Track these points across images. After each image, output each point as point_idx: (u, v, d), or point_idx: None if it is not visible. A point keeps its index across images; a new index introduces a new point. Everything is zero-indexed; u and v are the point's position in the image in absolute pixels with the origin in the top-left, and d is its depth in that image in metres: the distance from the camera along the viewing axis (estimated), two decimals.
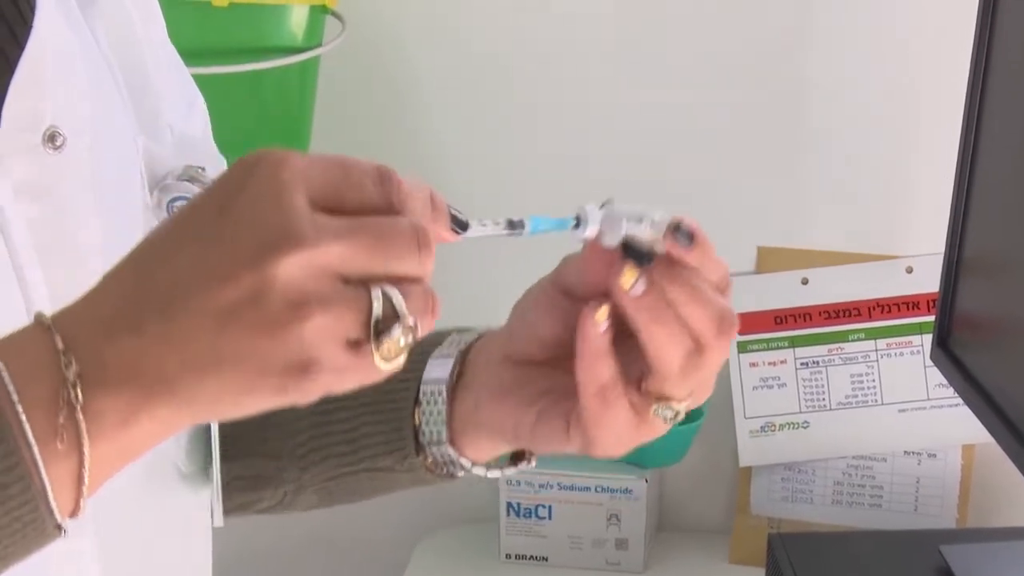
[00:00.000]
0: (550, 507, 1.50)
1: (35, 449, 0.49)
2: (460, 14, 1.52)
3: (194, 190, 0.73)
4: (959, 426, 1.43)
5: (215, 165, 0.76)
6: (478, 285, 1.31)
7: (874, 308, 1.49)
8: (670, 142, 1.51)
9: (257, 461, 0.75)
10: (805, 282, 1.50)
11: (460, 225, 0.55)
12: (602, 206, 0.60)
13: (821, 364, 1.50)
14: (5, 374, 0.50)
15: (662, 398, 0.61)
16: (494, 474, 0.70)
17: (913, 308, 1.48)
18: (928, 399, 1.49)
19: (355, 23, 1.42)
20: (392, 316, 0.51)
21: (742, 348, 1.51)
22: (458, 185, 1.53)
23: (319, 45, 1.36)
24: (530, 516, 1.51)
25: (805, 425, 1.51)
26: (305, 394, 0.51)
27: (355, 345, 0.51)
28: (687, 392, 0.61)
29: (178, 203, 0.73)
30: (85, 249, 0.66)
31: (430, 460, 0.71)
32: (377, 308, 0.51)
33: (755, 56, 1.48)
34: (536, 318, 0.65)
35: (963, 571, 1.16)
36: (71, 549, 0.61)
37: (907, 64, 1.47)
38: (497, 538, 1.52)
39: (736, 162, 1.50)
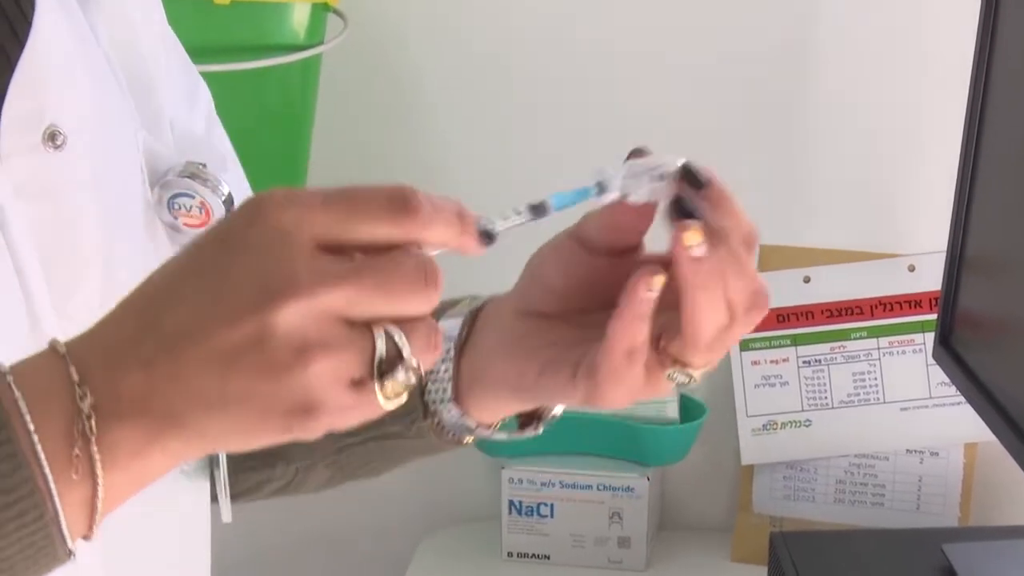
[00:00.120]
0: (552, 505, 1.50)
1: (50, 480, 0.50)
2: (462, 12, 1.52)
3: (195, 186, 0.73)
4: (961, 424, 1.43)
5: (217, 160, 0.76)
6: (481, 278, 1.31)
7: (876, 306, 1.49)
8: (671, 141, 1.49)
9: None
10: (807, 280, 1.50)
11: (488, 236, 0.54)
12: (628, 159, 0.59)
13: (823, 362, 1.50)
14: (22, 403, 0.50)
15: (680, 363, 0.61)
16: (500, 436, 0.70)
17: (915, 306, 1.48)
18: (930, 397, 1.49)
19: (357, 21, 1.42)
20: (396, 357, 0.51)
21: (744, 346, 1.51)
22: (459, 183, 1.53)
23: (321, 43, 1.36)
24: (532, 514, 1.51)
25: (807, 423, 1.51)
26: (310, 432, 0.51)
27: (358, 384, 0.51)
28: (705, 361, 0.61)
29: (179, 199, 0.73)
30: (86, 248, 0.66)
31: (437, 422, 0.71)
32: (380, 349, 0.51)
33: (757, 55, 1.48)
34: (551, 270, 0.65)
35: (965, 569, 1.16)
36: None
37: (910, 62, 1.47)
38: (499, 536, 1.52)
39: (738, 161, 1.50)
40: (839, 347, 1.50)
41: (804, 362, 1.51)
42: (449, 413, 0.70)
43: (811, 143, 1.50)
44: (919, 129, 1.47)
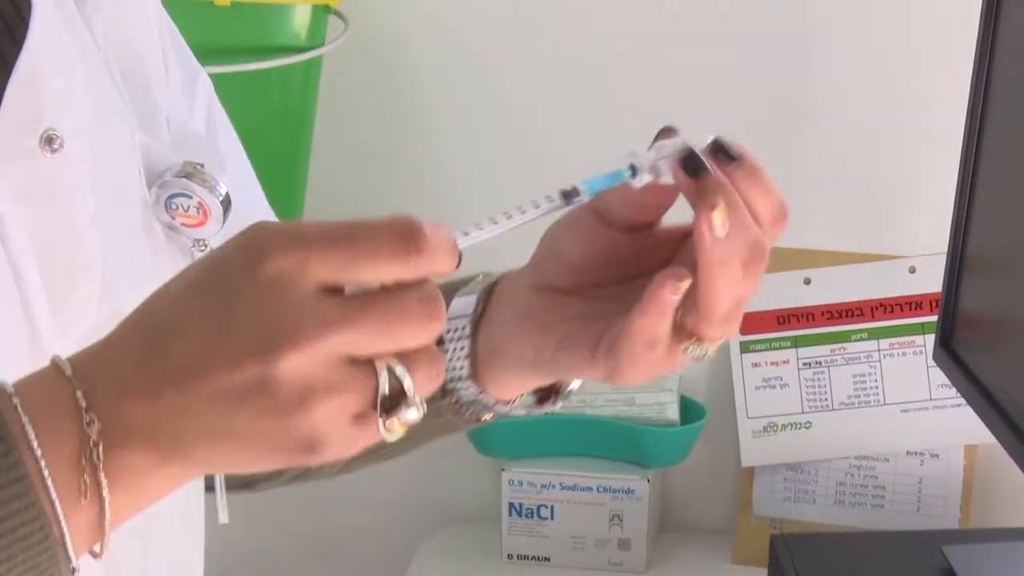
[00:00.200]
0: (552, 507, 1.50)
1: (58, 505, 0.50)
2: (462, 14, 1.52)
3: (192, 187, 0.72)
4: (962, 426, 1.43)
5: (215, 158, 0.76)
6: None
7: (876, 308, 1.49)
8: None
9: None
10: (808, 282, 1.50)
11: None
12: (652, 145, 0.60)
13: (824, 364, 1.50)
14: (30, 429, 0.50)
15: (696, 336, 0.61)
16: (518, 412, 0.70)
17: (916, 308, 1.48)
18: (931, 399, 1.49)
19: (358, 23, 1.42)
20: (399, 393, 0.52)
21: (744, 348, 1.51)
22: (459, 184, 1.54)
23: (322, 45, 1.37)
24: (532, 516, 1.51)
25: (808, 425, 1.51)
26: (313, 462, 0.52)
27: (361, 417, 0.51)
28: (721, 334, 0.61)
29: (176, 199, 0.73)
30: (84, 252, 0.66)
31: (455, 401, 0.70)
32: (384, 387, 0.51)
33: (758, 55, 1.48)
34: (569, 245, 0.65)
35: (966, 572, 1.16)
36: None
37: (910, 63, 1.47)
38: (499, 538, 1.52)
39: None
40: (839, 349, 1.50)
41: (804, 364, 1.51)
42: (467, 391, 0.69)
43: (811, 145, 1.50)
44: (919, 130, 1.47)
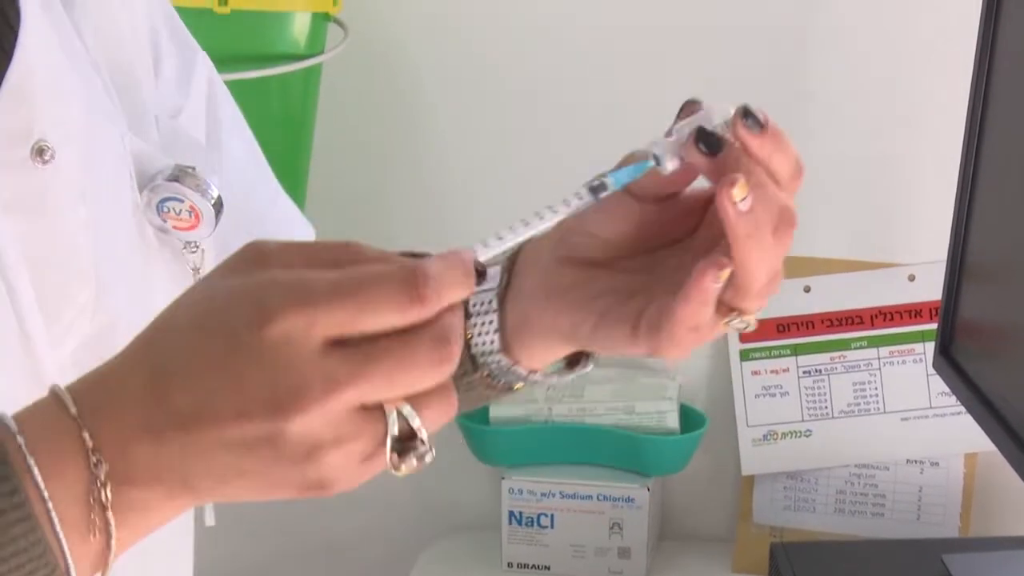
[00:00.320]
0: (552, 516, 1.50)
1: (64, 543, 0.50)
2: (462, 21, 1.52)
3: (184, 190, 0.72)
4: (962, 434, 1.43)
5: (206, 159, 0.76)
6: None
7: (876, 316, 1.49)
8: None
9: None
10: (807, 290, 1.50)
11: (480, 274, 0.54)
12: (674, 125, 0.61)
13: (823, 372, 1.50)
14: (36, 472, 0.50)
15: (737, 310, 0.61)
16: (551, 381, 0.70)
17: (915, 316, 1.48)
18: (930, 407, 1.48)
19: (357, 30, 1.42)
20: (409, 435, 0.52)
21: (744, 356, 1.51)
22: (459, 185, 1.53)
23: (322, 52, 1.37)
24: (532, 525, 1.50)
25: (807, 433, 1.51)
26: (321, 497, 0.52)
27: (371, 456, 0.52)
28: (759, 305, 0.62)
29: (168, 203, 0.72)
30: (77, 261, 0.66)
31: (486, 373, 0.69)
32: (393, 430, 0.51)
33: (756, 62, 1.48)
34: (599, 218, 0.65)
35: None
36: None
37: (909, 70, 1.47)
38: (499, 547, 1.52)
39: None
40: (839, 357, 1.50)
41: (804, 372, 1.51)
42: (498, 364, 0.68)
43: (810, 152, 1.50)
44: (919, 138, 1.47)
